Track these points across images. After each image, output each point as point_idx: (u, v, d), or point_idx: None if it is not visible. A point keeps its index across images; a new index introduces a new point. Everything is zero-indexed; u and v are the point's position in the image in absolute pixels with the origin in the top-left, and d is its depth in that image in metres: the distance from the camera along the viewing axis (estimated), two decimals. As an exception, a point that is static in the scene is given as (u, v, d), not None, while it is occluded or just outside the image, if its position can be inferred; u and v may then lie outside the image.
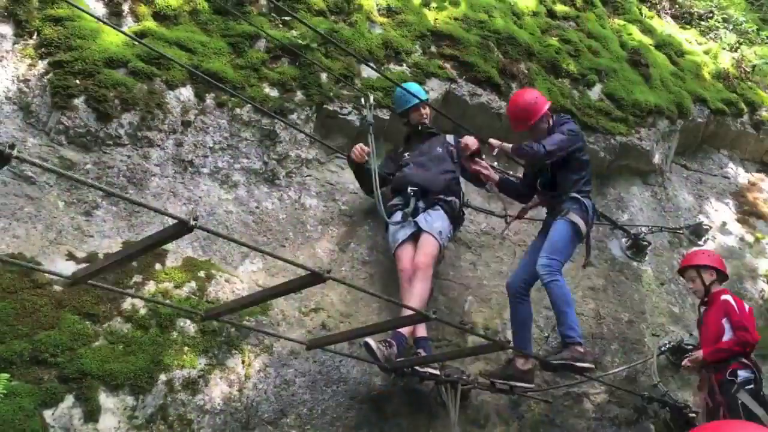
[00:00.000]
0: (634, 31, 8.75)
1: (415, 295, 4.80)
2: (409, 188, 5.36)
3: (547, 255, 4.96)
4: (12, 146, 2.29)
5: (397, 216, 5.29)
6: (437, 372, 4.83)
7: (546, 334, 5.83)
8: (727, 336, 5.33)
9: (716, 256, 5.85)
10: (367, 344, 4.52)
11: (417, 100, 5.50)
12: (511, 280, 5.30)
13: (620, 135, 7.26)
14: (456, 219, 5.48)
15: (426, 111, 5.63)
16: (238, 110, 5.46)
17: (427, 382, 4.96)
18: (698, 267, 5.68)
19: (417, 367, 4.71)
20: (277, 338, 4.63)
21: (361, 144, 5.42)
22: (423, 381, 4.94)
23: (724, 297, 5.45)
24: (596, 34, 8.21)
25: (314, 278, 3.14)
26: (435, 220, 5.21)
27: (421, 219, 5.22)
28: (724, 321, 5.39)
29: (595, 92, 7.49)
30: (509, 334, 5.62)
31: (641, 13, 9.29)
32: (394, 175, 5.57)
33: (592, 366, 4.86)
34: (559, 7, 8.29)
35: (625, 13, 9.11)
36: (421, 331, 4.98)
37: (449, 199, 5.37)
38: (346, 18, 6.46)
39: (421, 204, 5.32)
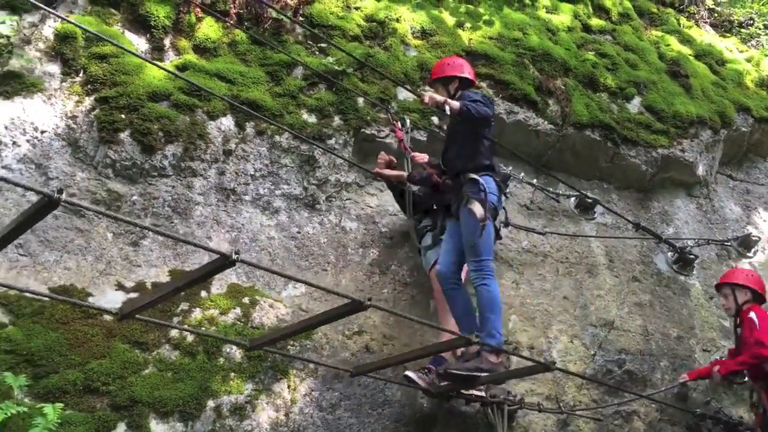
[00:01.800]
0: (672, 41, 8.64)
1: (451, 318, 4.76)
2: (435, 207, 5.36)
3: (473, 261, 4.58)
4: (60, 191, 2.41)
5: (428, 238, 5.29)
6: (482, 394, 4.80)
7: (593, 352, 5.74)
8: None
9: (755, 278, 5.81)
10: (407, 377, 4.54)
11: None
12: (443, 268, 4.79)
13: (662, 147, 7.15)
14: None
15: None
16: (277, 137, 5.55)
17: (473, 403, 4.94)
18: (733, 285, 5.67)
19: (462, 390, 4.69)
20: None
21: (381, 154, 5.49)
22: (469, 403, 4.92)
23: (749, 315, 5.44)
24: (633, 46, 8.13)
25: (355, 306, 3.18)
26: None
27: None
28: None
29: (635, 105, 7.40)
30: (555, 353, 5.59)
31: (679, 24, 9.16)
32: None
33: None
34: (594, 21, 8.24)
35: (662, 24, 9.00)
36: None
37: None
38: (381, 42, 6.54)
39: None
